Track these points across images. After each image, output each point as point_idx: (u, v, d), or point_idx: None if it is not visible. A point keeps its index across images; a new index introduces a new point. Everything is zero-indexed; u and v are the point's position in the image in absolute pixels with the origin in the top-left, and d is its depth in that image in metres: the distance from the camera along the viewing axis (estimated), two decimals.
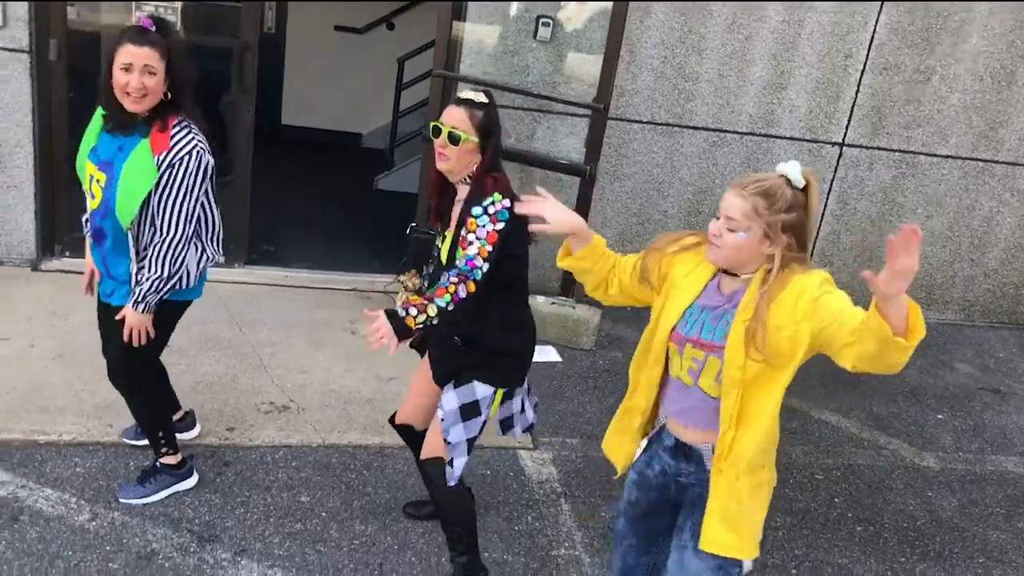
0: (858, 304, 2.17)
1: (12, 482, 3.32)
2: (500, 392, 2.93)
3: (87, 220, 3.05)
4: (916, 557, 3.80)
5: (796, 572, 3.58)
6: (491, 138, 2.79)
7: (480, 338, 2.87)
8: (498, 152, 2.85)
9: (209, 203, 3.01)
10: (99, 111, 2.93)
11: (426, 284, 3.05)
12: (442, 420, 2.89)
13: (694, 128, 5.45)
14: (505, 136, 3.14)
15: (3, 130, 4.67)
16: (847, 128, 5.66)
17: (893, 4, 5.41)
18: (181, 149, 2.82)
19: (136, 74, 2.75)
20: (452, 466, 2.91)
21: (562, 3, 5.03)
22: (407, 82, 7.62)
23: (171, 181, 2.84)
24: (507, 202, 2.73)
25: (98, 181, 2.89)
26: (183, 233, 2.90)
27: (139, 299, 2.94)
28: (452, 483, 2.92)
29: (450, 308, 2.69)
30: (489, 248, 2.72)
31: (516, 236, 2.76)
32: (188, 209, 2.88)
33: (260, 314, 4.84)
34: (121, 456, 3.55)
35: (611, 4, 4.78)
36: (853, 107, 5.61)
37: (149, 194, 2.84)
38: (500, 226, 2.73)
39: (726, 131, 5.49)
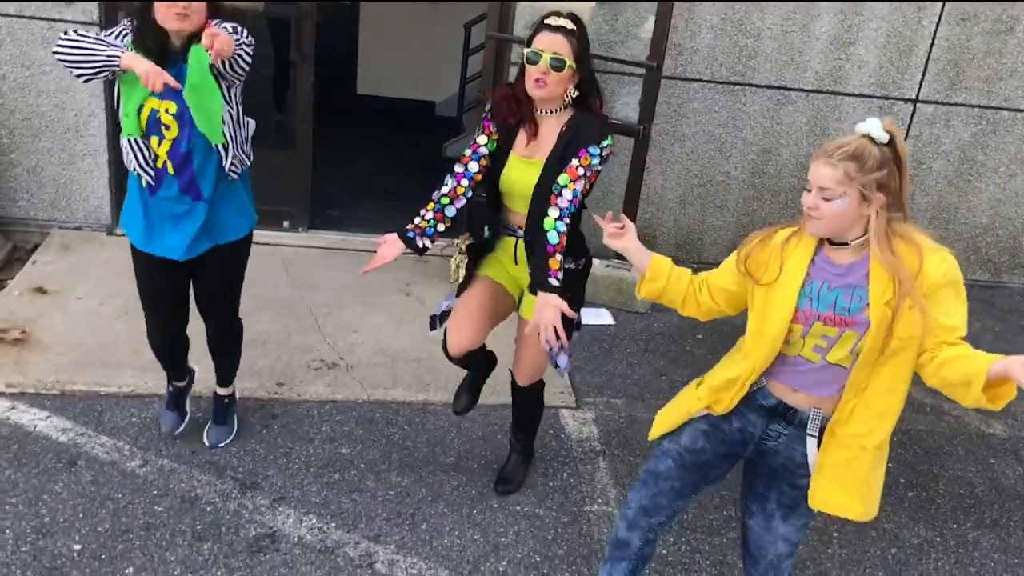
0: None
1: (73, 430, 3.53)
2: None
3: (147, 168, 2.95)
4: (970, 524, 3.68)
5: (837, 536, 3.51)
6: (587, 65, 2.84)
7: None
8: (594, 80, 2.91)
9: None
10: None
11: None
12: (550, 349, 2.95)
13: (756, 86, 5.30)
14: None
15: (78, 100, 4.90)
16: (921, 84, 5.41)
17: None
18: (241, 39, 2.82)
19: None
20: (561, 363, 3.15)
21: None
22: (474, 48, 7.63)
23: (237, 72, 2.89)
24: (612, 147, 2.89)
25: (167, 110, 2.85)
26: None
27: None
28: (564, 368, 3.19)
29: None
30: (589, 186, 2.86)
31: None
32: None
33: (318, 276, 4.97)
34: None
35: None
36: (927, 61, 5.36)
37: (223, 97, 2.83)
38: (600, 169, 2.87)
39: (791, 89, 5.32)
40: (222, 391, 3.59)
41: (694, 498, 2.70)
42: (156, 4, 2.75)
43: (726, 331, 4.52)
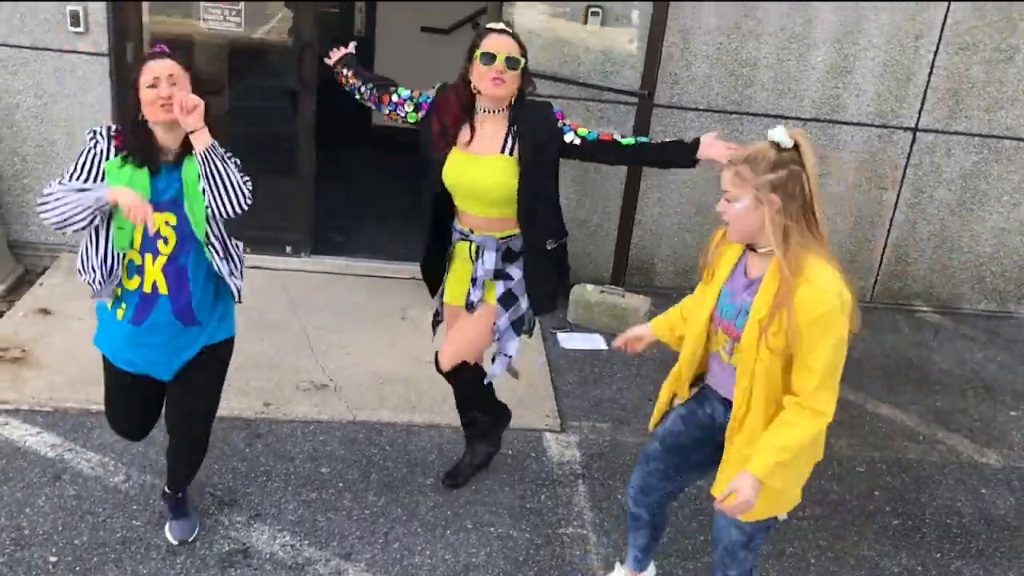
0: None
1: (61, 445, 3.61)
2: None
3: (132, 297, 2.81)
4: (954, 554, 3.63)
5: (815, 562, 3.48)
6: (527, 66, 3.04)
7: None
8: (530, 79, 3.11)
9: None
10: (113, 164, 2.71)
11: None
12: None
13: (753, 115, 5.33)
14: None
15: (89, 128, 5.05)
16: (920, 112, 5.41)
17: None
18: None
19: (164, 84, 2.66)
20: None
21: None
22: None
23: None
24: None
25: (167, 223, 2.74)
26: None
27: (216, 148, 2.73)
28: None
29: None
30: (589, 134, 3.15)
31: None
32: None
33: (317, 300, 5.05)
34: (160, 426, 3.77)
35: None
36: (926, 90, 5.36)
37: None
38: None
39: (788, 117, 5.34)
40: (171, 491, 3.21)
41: (685, 479, 2.86)
42: (143, 105, 2.68)
43: None
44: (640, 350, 2.88)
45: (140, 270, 2.78)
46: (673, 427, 2.74)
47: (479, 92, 3.02)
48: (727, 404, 2.54)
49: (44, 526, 3.20)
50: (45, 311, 4.60)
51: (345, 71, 3.39)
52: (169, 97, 2.66)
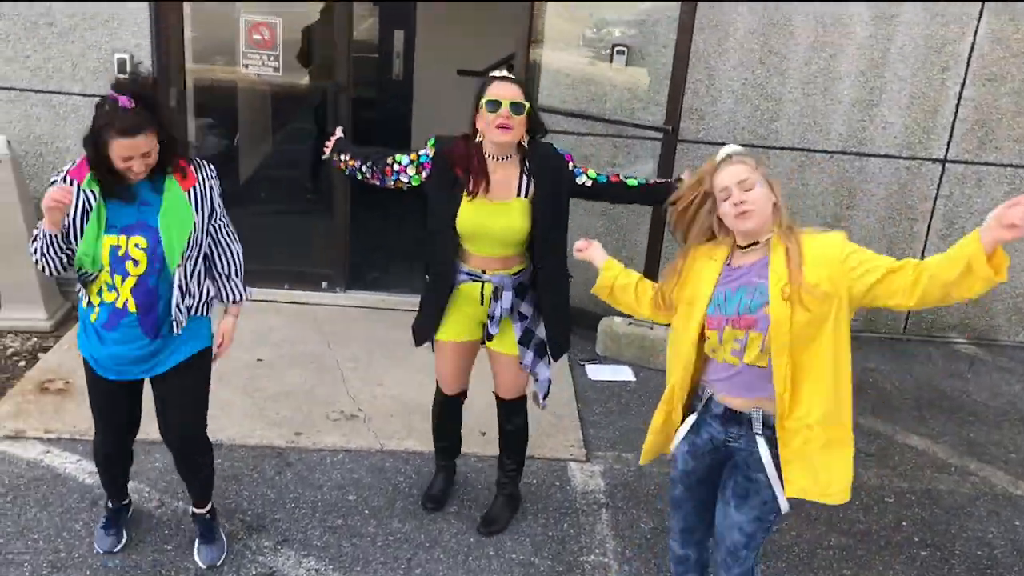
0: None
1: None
2: None
3: (106, 310, 2.91)
4: None
5: None
6: (533, 109, 3.12)
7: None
8: (540, 123, 3.20)
9: None
10: (85, 186, 2.77)
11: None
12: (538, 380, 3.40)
13: (780, 148, 5.38)
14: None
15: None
16: (949, 144, 5.41)
17: (995, 14, 5.17)
18: (208, 174, 2.98)
19: (138, 160, 2.70)
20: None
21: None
22: None
23: (216, 204, 3.01)
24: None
25: (136, 245, 2.82)
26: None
27: (241, 292, 3.12)
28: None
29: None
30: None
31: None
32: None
33: (351, 333, 5.17)
34: None
35: (676, 27, 4.84)
36: (954, 122, 5.37)
37: (194, 226, 2.90)
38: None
39: (814, 151, 5.38)
40: (199, 509, 3.33)
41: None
42: (115, 163, 2.71)
43: None
44: (583, 256, 2.98)
45: (112, 287, 2.87)
46: (685, 467, 2.79)
47: (485, 138, 3.08)
48: (724, 417, 2.61)
49: (80, 549, 3.31)
50: None
51: (343, 156, 3.40)
52: (144, 170, 2.73)
